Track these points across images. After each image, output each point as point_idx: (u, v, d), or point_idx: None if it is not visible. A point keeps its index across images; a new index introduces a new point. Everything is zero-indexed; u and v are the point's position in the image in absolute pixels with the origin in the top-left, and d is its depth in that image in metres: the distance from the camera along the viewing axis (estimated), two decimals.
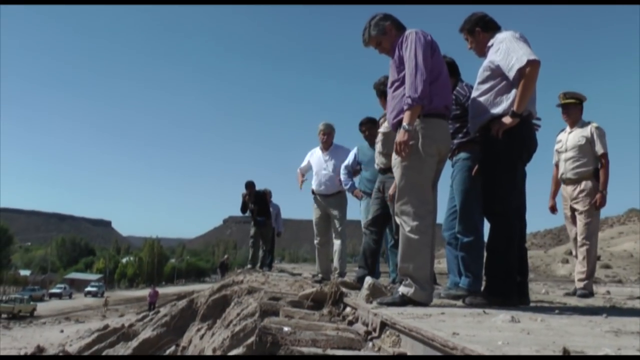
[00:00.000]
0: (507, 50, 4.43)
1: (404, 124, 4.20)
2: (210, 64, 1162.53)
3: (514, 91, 4.40)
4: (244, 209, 14.72)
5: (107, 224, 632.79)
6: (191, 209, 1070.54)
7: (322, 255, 8.70)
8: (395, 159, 4.40)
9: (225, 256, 33.65)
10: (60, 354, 11.95)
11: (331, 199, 8.53)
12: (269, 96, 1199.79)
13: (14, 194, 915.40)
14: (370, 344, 3.28)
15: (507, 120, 4.35)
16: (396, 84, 4.51)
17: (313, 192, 8.74)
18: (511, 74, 4.38)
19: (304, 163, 9.08)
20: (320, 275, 8.42)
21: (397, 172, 4.39)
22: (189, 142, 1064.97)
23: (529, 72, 4.27)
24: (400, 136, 4.21)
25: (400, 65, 4.44)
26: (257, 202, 14.58)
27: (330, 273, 8.40)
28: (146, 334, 11.73)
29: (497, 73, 4.53)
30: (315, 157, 8.87)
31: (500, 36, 4.64)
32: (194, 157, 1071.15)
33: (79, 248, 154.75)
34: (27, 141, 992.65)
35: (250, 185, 14.60)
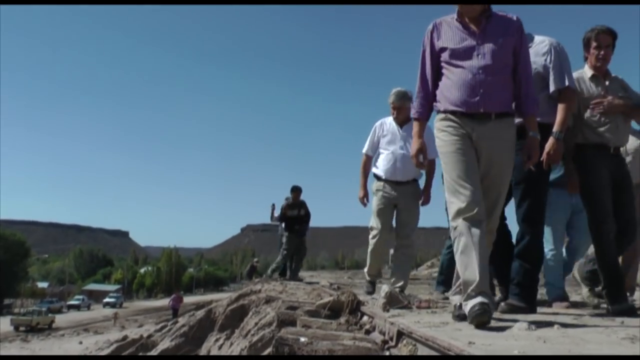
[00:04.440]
0: (558, 63, 4.53)
1: (560, 130, 4.38)
2: (223, 67, 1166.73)
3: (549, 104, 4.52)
4: (283, 218, 13.65)
5: (124, 235, 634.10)
6: (209, 219, 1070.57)
7: (378, 253, 6.88)
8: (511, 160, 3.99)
9: (255, 259, 33.34)
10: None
11: (405, 189, 6.74)
12: (286, 98, 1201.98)
13: (32, 206, 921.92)
14: (387, 353, 3.29)
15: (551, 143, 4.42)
16: (504, 70, 3.91)
17: (378, 178, 6.86)
18: (551, 88, 4.49)
19: (371, 141, 7.01)
20: (370, 286, 6.88)
21: (508, 171, 3.96)
22: (205, 151, 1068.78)
23: (571, 99, 4.52)
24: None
25: (513, 54, 3.94)
26: (304, 209, 13.65)
27: (379, 278, 7.04)
28: (165, 344, 11.77)
29: (539, 77, 4.53)
30: (388, 130, 6.89)
31: (543, 39, 4.69)
32: (211, 167, 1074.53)
33: (96, 259, 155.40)
34: (45, 153, 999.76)
35: (298, 189, 13.61)
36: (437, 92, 3.98)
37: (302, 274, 17.75)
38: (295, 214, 13.37)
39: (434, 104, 4.02)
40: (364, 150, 7.06)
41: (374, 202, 6.82)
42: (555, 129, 4.38)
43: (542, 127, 4.27)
